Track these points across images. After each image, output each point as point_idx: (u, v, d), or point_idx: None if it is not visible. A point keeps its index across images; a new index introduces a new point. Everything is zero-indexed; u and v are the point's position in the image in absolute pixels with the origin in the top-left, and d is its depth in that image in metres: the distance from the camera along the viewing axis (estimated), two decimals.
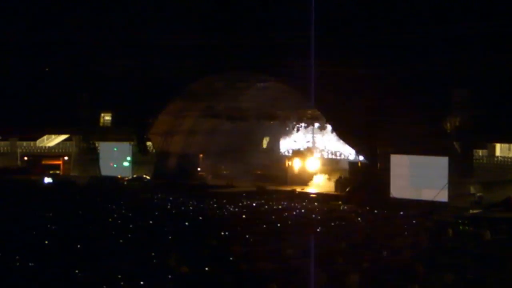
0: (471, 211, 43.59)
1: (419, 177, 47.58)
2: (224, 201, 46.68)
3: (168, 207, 44.21)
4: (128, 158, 63.52)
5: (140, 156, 63.82)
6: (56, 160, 65.86)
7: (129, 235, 32.30)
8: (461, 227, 36.03)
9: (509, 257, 27.22)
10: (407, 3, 54.93)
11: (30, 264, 25.75)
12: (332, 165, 60.72)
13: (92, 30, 65.35)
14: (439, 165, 46.76)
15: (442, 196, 45.88)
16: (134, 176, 62.16)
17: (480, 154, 53.30)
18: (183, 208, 43.80)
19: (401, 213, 42.14)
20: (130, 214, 39.63)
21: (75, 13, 67.56)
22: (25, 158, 66.54)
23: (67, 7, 67.96)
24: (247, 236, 32.27)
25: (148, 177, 61.47)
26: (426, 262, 26.25)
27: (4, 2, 67.15)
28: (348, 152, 60.28)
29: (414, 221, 38.06)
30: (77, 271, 24.67)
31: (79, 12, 67.74)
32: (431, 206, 44.12)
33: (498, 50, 50.76)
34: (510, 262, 26.43)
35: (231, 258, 27.05)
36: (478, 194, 46.90)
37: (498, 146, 52.81)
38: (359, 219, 39.28)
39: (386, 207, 44.07)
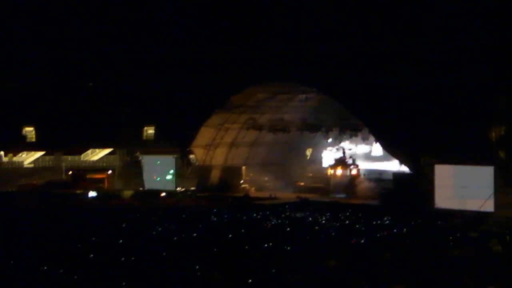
0: None
1: (464, 187, 46.94)
2: (267, 213, 46.61)
3: (212, 219, 44.28)
4: (172, 171, 63.78)
5: (183, 169, 63.99)
6: (100, 174, 66.36)
7: (173, 248, 32.44)
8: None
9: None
10: (450, 14, 54.48)
11: (75, 277, 25.99)
12: (375, 175, 60.30)
13: (135, 45, 65.97)
14: (484, 174, 46.11)
15: (488, 206, 45.19)
16: (178, 189, 62.40)
17: None
18: (226, 220, 43.84)
19: (444, 223, 41.68)
20: (174, 227, 39.78)
21: (118, 29, 68.31)
22: (70, 172, 67.22)
23: (111, 23, 68.74)
24: (289, 248, 32.20)
25: (193, 189, 61.72)
26: (472, 274, 25.94)
27: (48, 18, 68.12)
28: (392, 162, 59.86)
29: (459, 232, 37.55)
30: (124, 283, 24.85)
31: (123, 28, 68.49)
32: (476, 217, 43.49)
33: None
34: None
35: (273, 270, 26.98)
36: None
37: None
38: (404, 230, 38.90)
39: (430, 217, 43.59)
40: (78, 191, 60.74)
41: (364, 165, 62.85)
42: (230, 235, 36.55)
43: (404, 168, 55.10)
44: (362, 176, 60.49)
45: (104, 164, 69.28)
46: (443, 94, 50.20)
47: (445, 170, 48.62)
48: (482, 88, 49.41)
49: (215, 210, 48.62)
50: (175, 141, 63.70)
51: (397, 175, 54.86)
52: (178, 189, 62.46)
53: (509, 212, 44.57)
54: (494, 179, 45.68)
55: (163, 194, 59.97)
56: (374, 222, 42.31)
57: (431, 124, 49.55)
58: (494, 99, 49.12)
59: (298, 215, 46.01)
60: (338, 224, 41.65)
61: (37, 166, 69.32)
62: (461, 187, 47.29)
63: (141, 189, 62.49)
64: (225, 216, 45.69)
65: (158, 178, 64.01)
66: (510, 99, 48.32)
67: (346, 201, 54.97)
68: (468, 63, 51.36)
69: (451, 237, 35.73)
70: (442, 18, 54.03)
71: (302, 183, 62.72)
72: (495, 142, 48.68)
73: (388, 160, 60.77)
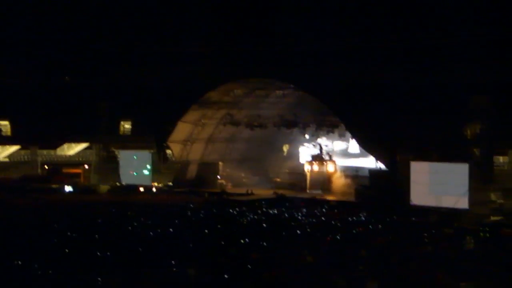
0: (492, 218, 43.26)
1: (439, 184, 47.25)
2: (244, 208, 46.65)
3: (189, 214, 44.25)
4: (148, 166, 63.60)
5: (160, 164, 63.86)
6: (76, 168, 66.10)
7: (149, 243, 32.40)
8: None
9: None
10: (426, 12, 54.84)
11: (50, 271, 25.88)
12: (352, 171, 60.54)
13: (111, 39, 65.73)
14: (459, 172, 46.46)
15: (463, 203, 45.55)
16: (155, 184, 62.28)
17: (501, 160, 52.95)
18: (202, 215, 43.82)
19: (419, 219, 41.94)
20: (150, 222, 39.71)
21: (94, 23, 68.03)
22: (46, 166, 66.86)
23: (87, 18, 68.45)
24: (265, 243, 32.27)
25: (170, 184, 61.66)
26: (446, 269, 26.18)
27: (24, 12, 67.70)
28: (368, 159, 60.12)
29: (434, 228, 37.86)
30: (99, 278, 24.79)
31: (99, 22, 68.20)
32: (451, 213, 43.84)
33: None
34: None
35: (249, 266, 27.04)
36: (498, 201, 46.54)
37: None
38: (379, 226, 39.12)
39: (406, 214, 43.86)
40: (54, 186, 60.45)
41: (341, 162, 63.06)
42: (206, 231, 36.56)
43: (380, 165, 55.39)
44: (338, 173, 60.71)
45: (80, 159, 68.98)
46: (419, 92, 50.57)
47: (421, 167, 48.89)
48: (457, 87, 49.83)
49: (191, 205, 48.57)
50: (152, 136, 63.57)
51: (373, 172, 55.13)
52: (155, 184, 62.32)
53: (483, 209, 44.99)
54: (469, 176, 46.04)
55: (142, 189, 59.92)
56: (350, 219, 42.50)
57: (407, 121, 49.84)
58: (469, 97, 49.50)
59: (274, 211, 46.08)
60: (314, 220, 41.76)
61: (12, 160, 68.86)
62: (436, 184, 47.57)
63: (117, 184, 62.31)
64: (202, 211, 45.65)
65: (135, 173, 63.79)
66: (485, 98, 48.71)
67: (322, 196, 55.15)
68: (444, 61, 51.77)
69: (426, 234, 36.00)
70: (418, 16, 54.40)
71: (278, 179, 62.93)
72: (470, 140, 49.07)
73: (364, 156, 61.02)
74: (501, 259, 29.48)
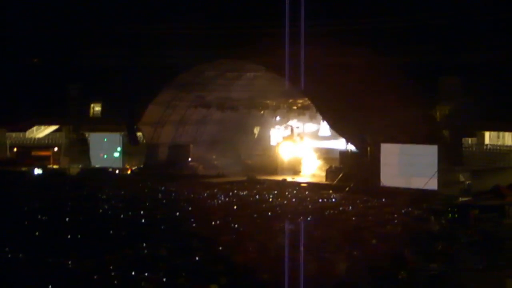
0: (460, 199, 43.74)
1: (409, 166, 47.61)
2: (215, 191, 46.73)
3: (159, 197, 44.22)
4: (119, 149, 63.30)
5: (130, 147, 63.54)
6: (46, 151, 65.51)
7: (120, 226, 32.38)
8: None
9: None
10: None
11: (20, 255, 25.79)
12: (322, 153, 60.76)
13: (81, 20, 65.18)
14: (428, 153, 46.83)
15: (432, 184, 46.00)
16: (127, 166, 62.02)
17: (469, 142, 53.54)
18: (173, 198, 43.82)
19: (389, 201, 42.27)
20: (121, 205, 39.64)
21: (63, 4, 67.35)
22: (14, 149, 66.27)
23: None
24: (236, 226, 32.41)
25: (141, 166, 61.45)
26: (414, 250, 26.50)
27: None
28: (338, 141, 60.38)
29: (403, 209, 38.23)
30: (69, 262, 24.74)
31: (68, 3, 67.55)
32: (420, 194, 44.24)
33: (487, 37, 50.99)
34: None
35: (220, 248, 27.17)
36: (467, 182, 47.05)
37: (487, 134, 53.00)
38: (349, 207, 39.41)
39: (376, 195, 44.17)
40: (23, 168, 59.98)
41: (312, 144, 63.25)
42: (177, 213, 36.63)
43: (351, 147, 55.64)
44: (309, 155, 60.91)
45: (50, 141, 68.46)
46: (389, 72, 50.75)
47: (391, 148, 49.20)
48: (427, 67, 50.15)
49: (162, 188, 48.54)
50: (122, 118, 63.20)
51: (344, 154, 55.38)
52: (127, 166, 62.08)
53: (451, 190, 45.49)
54: (438, 157, 46.47)
55: (117, 171, 59.66)
56: (320, 200, 42.77)
57: (377, 103, 50.08)
58: (439, 78, 49.90)
59: (245, 193, 46.20)
60: (285, 202, 41.95)
61: None
62: (406, 166, 47.92)
63: (88, 166, 61.98)
64: (173, 194, 45.66)
65: (106, 156, 63.47)
66: (454, 79, 49.13)
67: (293, 179, 55.33)
68: (413, 42, 52.03)
69: (395, 215, 36.38)
70: None
71: (249, 162, 62.94)
72: (439, 121, 49.50)
73: (335, 138, 61.25)
74: (469, 239, 29.90)
